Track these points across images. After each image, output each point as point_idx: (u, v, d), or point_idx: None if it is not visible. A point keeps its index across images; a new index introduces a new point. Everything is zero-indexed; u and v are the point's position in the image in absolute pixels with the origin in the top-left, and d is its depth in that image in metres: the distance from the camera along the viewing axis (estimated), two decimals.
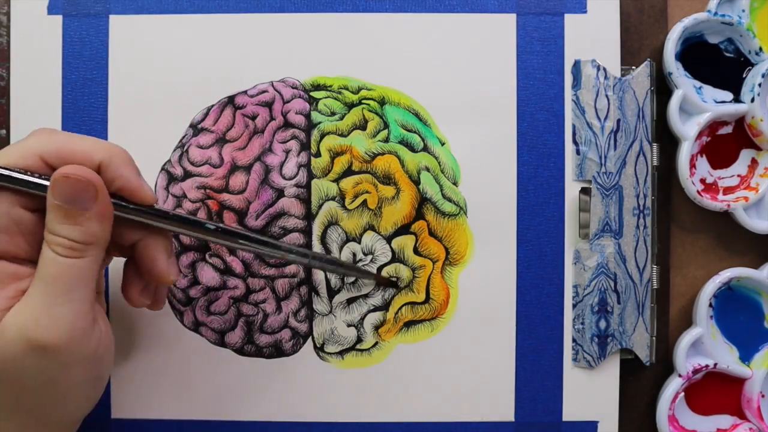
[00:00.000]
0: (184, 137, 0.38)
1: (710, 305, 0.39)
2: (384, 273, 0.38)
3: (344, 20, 0.39)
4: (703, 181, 0.39)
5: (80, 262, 0.29)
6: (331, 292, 0.38)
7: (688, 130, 0.38)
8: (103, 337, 0.31)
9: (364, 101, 0.39)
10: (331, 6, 0.39)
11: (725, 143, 0.39)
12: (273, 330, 0.38)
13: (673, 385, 0.38)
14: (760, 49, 0.39)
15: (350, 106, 0.39)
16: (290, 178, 0.38)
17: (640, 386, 0.40)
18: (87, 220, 0.29)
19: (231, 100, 0.38)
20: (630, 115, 0.38)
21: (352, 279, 0.38)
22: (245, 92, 0.39)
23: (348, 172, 0.38)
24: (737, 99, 0.39)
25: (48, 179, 0.29)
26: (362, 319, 0.39)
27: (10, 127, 0.38)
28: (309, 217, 0.38)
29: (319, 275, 0.38)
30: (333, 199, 0.38)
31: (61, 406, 0.31)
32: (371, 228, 0.38)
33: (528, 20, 0.39)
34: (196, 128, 0.38)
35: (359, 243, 0.38)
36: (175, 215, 0.32)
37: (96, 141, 0.31)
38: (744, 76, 0.39)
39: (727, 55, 0.39)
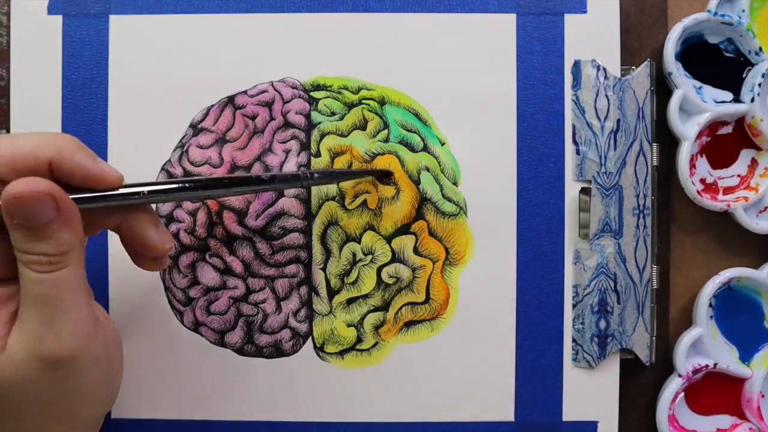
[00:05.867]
0: (184, 137, 0.38)
1: (710, 305, 0.39)
2: (384, 273, 0.38)
3: (344, 20, 0.39)
4: (703, 181, 0.39)
5: (64, 273, 0.28)
6: (331, 292, 0.38)
7: (688, 130, 0.38)
8: (108, 335, 0.30)
9: (364, 101, 0.39)
10: (331, 6, 0.39)
11: (725, 143, 0.40)
12: (273, 330, 0.38)
13: (673, 385, 0.38)
14: (760, 49, 0.39)
15: (350, 106, 0.39)
16: None
17: (640, 386, 0.40)
18: (56, 231, 0.27)
19: (231, 100, 0.39)
20: (630, 115, 0.38)
21: (352, 279, 0.38)
22: (245, 92, 0.39)
23: None
24: (737, 99, 0.39)
25: None
26: (362, 319, 0.39)
27: (10, 127, 0.38)
28: (309, 216, 0.38)
29: (319, 275, 0.38)
30: (333, 198, 0.38)
31: (85, 410, 0.31)
32: (371, 228, 0.38)
33: (528, 20, 0.39)
34: (196, 128, 0.38)
35: (359, 243, 0.38)
36: (147, 190, 0.30)
37: (41, 136, 0.28)
38: (744, 76, 0.39)
39: (727, 55, 0.39)
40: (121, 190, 0.30)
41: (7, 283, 0.29)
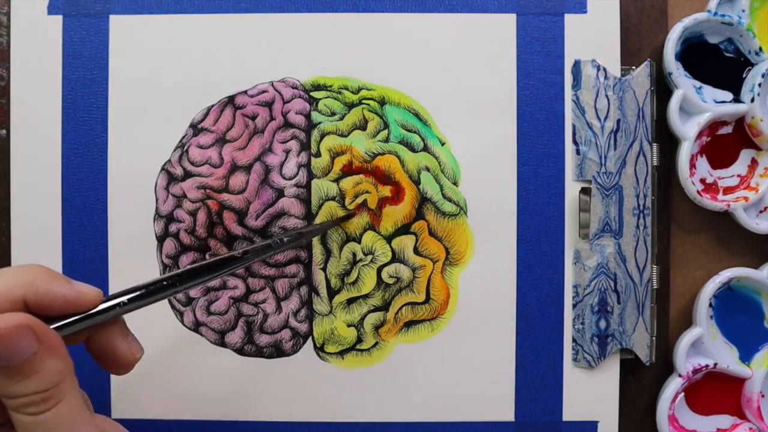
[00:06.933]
0: (184, 137, 0.38)
1: (710, 305, 0.39)
2: (384, 273, 0.38)
3: (344, 20, 0.39)
4: (703, 181, 0.39)
5: (62, 407, 0.25)
6: (331, 293, 0.38)
7: (688, 130, 0.38)
8: None
9: (364, 101, 0.39)
10: (331, 6, 0.39)
11: (725, 143, 0.40)
12: (273, 330, 0.38)
13: (673, 385, 0.38)
14: (760, 49, 0.39)
15: (350, 106, 0.39)
16: (290, 178, 0.38)
17: (640, 386, 0.40)
18: (41, 363, 0.24)
19: (231, 100, 0.38)
20: (630, 115, 0.38)
21: (352, 279, 0.38)
22: (245, 92, 0.39)
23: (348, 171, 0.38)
24: (737, 99, 0.39)
25: None
26: (362, 319, 0.39)
27: (10, 127, 0.38)
28: (309, 217, 0.38)
29: (319, 275, 0.38)
30: (333, 198, 0.38)
31: None
32: (371, 228, 0.38)
33: (528, 20, 0.39)
34: (196, 128, 0.38)
35: (359, 243, 0.38)
36: (126, 299, 0.28)
37: (8, 275, 0.25)
38: (744, 76, 0.39)
39: (727, 55, 0.39)
40: (102, 306, 0.27)
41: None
